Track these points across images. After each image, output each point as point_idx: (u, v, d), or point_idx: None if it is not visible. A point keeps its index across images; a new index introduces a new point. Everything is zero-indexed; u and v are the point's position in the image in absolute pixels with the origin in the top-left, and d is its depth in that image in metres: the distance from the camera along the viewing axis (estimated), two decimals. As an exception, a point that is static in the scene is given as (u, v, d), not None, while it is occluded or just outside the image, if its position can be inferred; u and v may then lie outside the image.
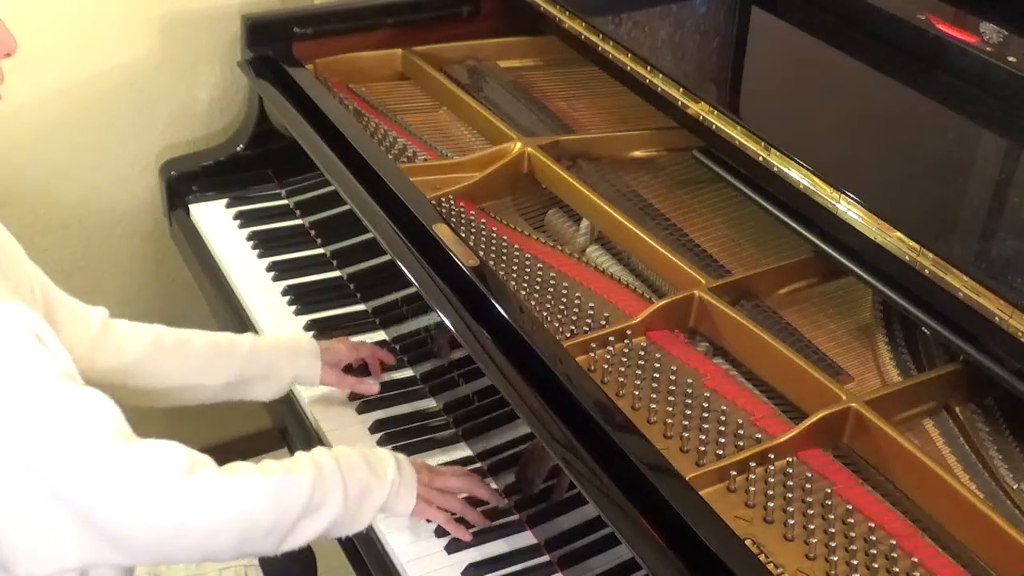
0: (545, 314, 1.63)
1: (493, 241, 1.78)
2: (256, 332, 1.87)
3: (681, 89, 1.75)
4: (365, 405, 1.71)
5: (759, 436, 1.44)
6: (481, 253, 1.70)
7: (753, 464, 1.38)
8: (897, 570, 1.29)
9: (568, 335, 1.59)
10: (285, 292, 1.94)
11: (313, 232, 2.08)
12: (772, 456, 1.40)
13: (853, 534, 1.33)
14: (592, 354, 1.55)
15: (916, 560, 1.29)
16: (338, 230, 1.98)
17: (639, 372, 1.53)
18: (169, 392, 1.58)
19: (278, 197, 2.18)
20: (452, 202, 1.84)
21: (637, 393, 1.50)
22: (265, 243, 2.06)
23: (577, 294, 1.68)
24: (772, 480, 1.39)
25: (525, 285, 1.69)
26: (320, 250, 2.04)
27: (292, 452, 1.71)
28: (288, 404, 1.74)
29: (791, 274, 1.70)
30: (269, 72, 2.10)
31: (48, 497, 1.17)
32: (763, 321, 1.60)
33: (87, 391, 1.21)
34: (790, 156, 1.57)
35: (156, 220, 2.34)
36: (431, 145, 2.03)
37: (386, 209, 1.73)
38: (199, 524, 1.23)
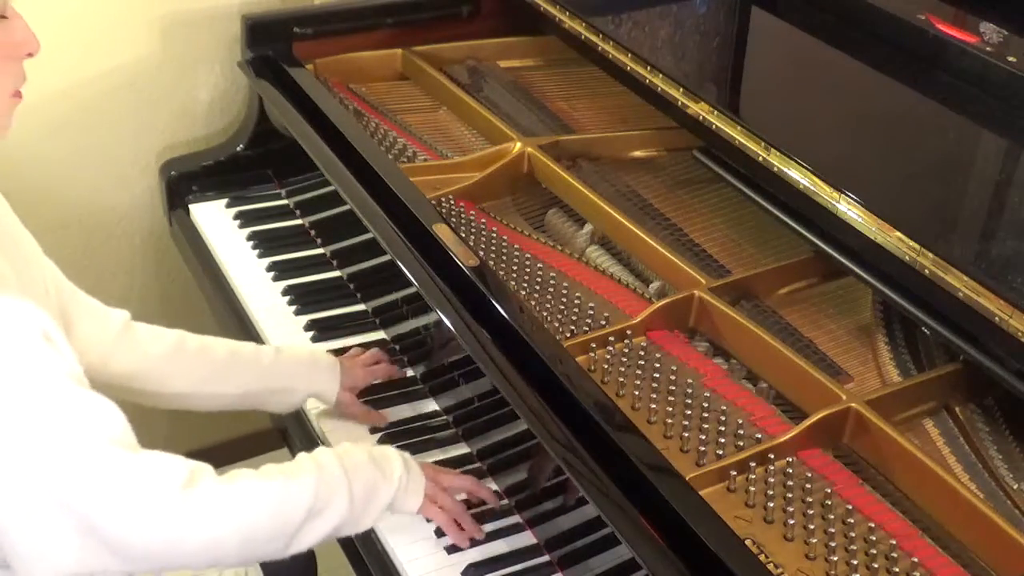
0: (545, 314, 1.63)
1: (493, 241, 1.78)
2: (256, 332, 1.87)
3: (681, 89, 1.75)
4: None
5: (759, 436, 1.44)
6: (481, 253, 1.70)
7: (753, 464, 1.38)
8: (897, 570, 1.29)
9: (568, 335, 1.59)
10: (285, 292, 1.94)
11: (313, 232, 2.08)
12: (772, 456, 1.40)
13: (853, 534, 1.33)
14: (592, 354, 1.55)
15: (916, 560, 1.29)
16: (338, 230, 1.98)
17: (639, 372, 1.53)
18: (186, 396, 1.58)
19: (278, 197, 2.17)
20: (452, 202, 1.84)
21: (637, 393, 1.50)
22: (265, 243, 2.05)
23: (577, 294, 1.68)
24: (772, 480, 1.39)
25: (525, 285, 1.69)
26: (320, 250, 2.04)
27: (292, 452, 1.71)
28: (288, 404, 1.74)
29: (791, 274, 1.70)
30: (269, 72, 2.10)
31: (49, 500, 1.16)
32: (763, 321, 1.60)
33: (93, 396, 1.21)
34: (790, 156, 1.57)
35: (156, 220, 2.34)
36: (431, 145, 2.03)
37: (386, 209, 1.73)
38: (199, 536, 1.23)
